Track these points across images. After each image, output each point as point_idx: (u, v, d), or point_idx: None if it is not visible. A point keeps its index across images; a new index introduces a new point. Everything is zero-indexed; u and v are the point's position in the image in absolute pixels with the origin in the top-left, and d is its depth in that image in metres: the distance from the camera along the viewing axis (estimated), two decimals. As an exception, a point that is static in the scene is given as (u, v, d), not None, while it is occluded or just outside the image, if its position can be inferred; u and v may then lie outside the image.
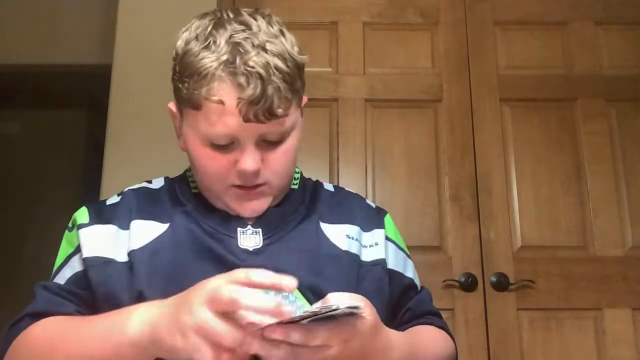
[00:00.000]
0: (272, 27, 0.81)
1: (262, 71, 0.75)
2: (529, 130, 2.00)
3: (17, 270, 3.36)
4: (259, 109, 0.75)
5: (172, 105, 0.87)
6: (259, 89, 0.75)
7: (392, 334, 0.74)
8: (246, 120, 0.76)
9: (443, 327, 0.92)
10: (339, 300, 0.64)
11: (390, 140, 2.00)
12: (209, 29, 0.79)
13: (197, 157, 0.82)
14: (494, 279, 1.85)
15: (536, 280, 1.85)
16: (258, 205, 0.84)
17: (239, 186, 0.82)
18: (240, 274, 0.63)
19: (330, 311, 0.61)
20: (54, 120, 3.74)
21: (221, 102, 0.75)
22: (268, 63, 0.76)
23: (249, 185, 0.81)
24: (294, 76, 0.80)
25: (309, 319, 0.62)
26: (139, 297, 0.76)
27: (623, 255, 1.89)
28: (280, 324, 0.61)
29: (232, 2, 2.10)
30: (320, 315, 0.62)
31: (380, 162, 1.98)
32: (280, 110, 0.77)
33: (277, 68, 0.77)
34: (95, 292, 0.80)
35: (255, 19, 0.81)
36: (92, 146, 3.56)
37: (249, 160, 0.78)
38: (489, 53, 2.08)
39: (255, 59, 0.76)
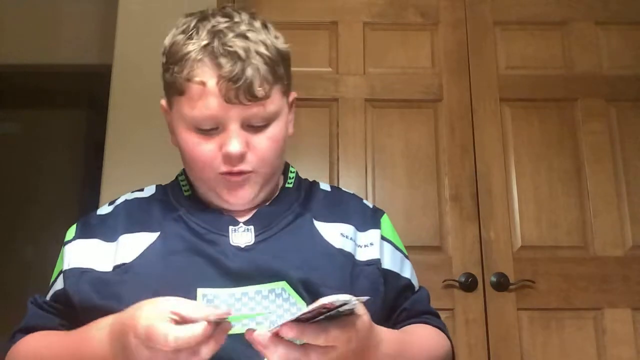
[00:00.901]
0: (255, 20, 0.83)
1: (241, 52, 0.77)
2: (528, 130, 2.00)
3: (16, 270, 3.36)
4: (239, 88, 0.77)
5: (163, 102, 0.88)
6: (238, 66, 0.77)
7: (381, 330, 0.74)
8: (227, 100, 0.77)
9: (438, 325, 0.91)
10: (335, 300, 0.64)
11: (390, 140, 2.00)
12: (194, 22, 0.82)
13: (185, 144, 0.83)
14: (494, 279, 1.85)
15: (536, 280, 1.85)
16: (245, 194, 0.83)
17: (226, 174, 0.82)
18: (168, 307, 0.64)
19: (341, 305, 0.61)
20: (54, 120, 3.74)
21: (202, 83, 0.77)
22: (248, 46, 0.78)
23: (235, 171, 0.81)
24: (276, 61, 0.81)
25: (311, 318, 0.62)
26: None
27: (623, 255, 1.89)
28: (287, 323, 0.61)
29: (231, 2, 2.10)
30: (321, 316, 0.62)
31: (380, 162, 1.98)
32: (260, 91, 0.78)
33: (257, 52, 0.79)
34: (73, 303, 0.81)
35: (239, 13, 0.84)
36: (92, 146, 3.56)
37: (234, 142, 0.79)
38: (489, 53, 2.08)
39: (235, 41, 0.78)
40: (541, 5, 2.13)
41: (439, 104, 2.04)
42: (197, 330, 0.61)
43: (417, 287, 0.96)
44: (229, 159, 0.80)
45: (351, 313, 0.65)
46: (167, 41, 0.84)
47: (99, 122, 2.39)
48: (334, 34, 2.11)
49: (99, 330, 0.71)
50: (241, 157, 0.80)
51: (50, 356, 0.77)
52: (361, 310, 0.66)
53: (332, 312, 0.62)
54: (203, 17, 0.83)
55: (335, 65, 2.07)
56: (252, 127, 0.81)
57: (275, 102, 0.82)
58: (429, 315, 0.92)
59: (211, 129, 0.80)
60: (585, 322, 1.84)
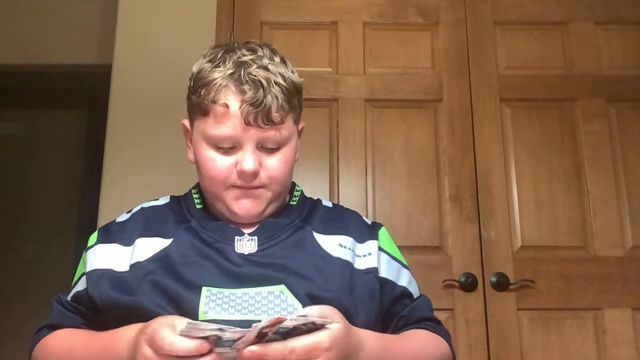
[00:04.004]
0: (275, 56, 0.93)
1: (263, 80, 0.87)
2: (528, 130, 2.00)
3: (16, 270, 3.36)
4: (258, 113, 0.86)
5: (185, 122, 0.97)
6: (260, 93, 0.86)
7: (361, 332, 0.79)
8: (247, 122, 0.86)
9: (436, 331, 0.93)
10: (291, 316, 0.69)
11: (390, 140, 2.00)
12: (221, 53, 0.91)
13: (203, 160, 0.91)
14: (494, 279, 1.85)
15: (536, 280, 1.85)
16: (254, 206, 0.91)
17: (237, 187, 0.89)
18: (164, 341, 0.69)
19: (304, 323, 0.67)
20: (54, 120, 3.74)
21: (226, 105, 0.86)
22: (269, 77, 0.88)
23: (247, 187, 0.89)
24: (292, 92, 0.91)
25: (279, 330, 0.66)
26: (142, 303, 0.82)
27: (623, 255, 1.89)
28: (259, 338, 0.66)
29: (231, 2, 2.10)
30: (283, 329, 0.66)
31: (380, 162, 1.98)
32: (276, 116, 0.87)
33: (276, 82, 0.88)
34: (95, 302, 0.87)
35: (261, 48, 0.93)
36: (92, 146, 3.57)
37: (249, 160, 0.87)
38: (489, 53, 2.08)
39: (258, 71, 0.88)
40: (541, 5, 2.13)
41: (439, 104, 2.04)
42: (191, 344, 0.67)
43: (416, 295, 0.98)
44: (243, 175, 0.88)
45: (321, 326, 0.69)
46: (195, 68, 0.93)
47: (99, 122, 2.39)
48: (334, 34, 2.10)
49: (127, 333, 0.78)
50: (254, 174, 0.88)
51: (81, 352, 0.84)
52: (335, 318, 0.72)
53: (298, 327, 0.67)
54: (229, 49, 0.92)
55: (335, 65, 2.07)
56: (266, 149, 0.89)
57: (289, 128, 0.91)
58: (428, 322, 0.95)
59: (229, 148, 0.88)
60: (585, 322, 1.84)
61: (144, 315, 0.78)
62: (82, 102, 3.62)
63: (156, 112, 1.98)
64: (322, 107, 2.01)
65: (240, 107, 0.86)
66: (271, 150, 0.90)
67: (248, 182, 0.89)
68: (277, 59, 0.92)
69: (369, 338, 0.79)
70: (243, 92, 0.86)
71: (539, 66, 2.07)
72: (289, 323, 0.65)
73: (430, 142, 1.99)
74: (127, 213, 0.99)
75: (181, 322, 0.70)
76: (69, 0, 2.74)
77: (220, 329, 0.66)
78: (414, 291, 0.98)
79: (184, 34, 2.04)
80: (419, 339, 0.90)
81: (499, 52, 2.09)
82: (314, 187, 1.91)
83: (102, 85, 2.15)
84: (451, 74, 2.06)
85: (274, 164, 0.90)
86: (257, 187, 0.90)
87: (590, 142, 1.99)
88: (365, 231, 0.98)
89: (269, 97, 0.86)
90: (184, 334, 0.68)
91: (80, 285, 0.92)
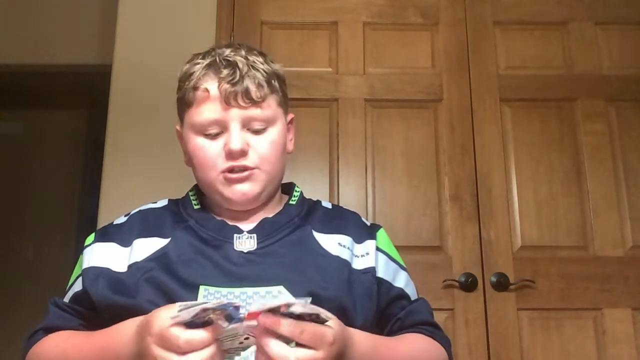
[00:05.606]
0: (254, 50, 0.96)
1: (240, 64, 0.90)
2: (529, 130, 2.00)
3: (16, 270, 3.37)
4: (237, 92, 0.88)
5: (177, 127, 0.98)
6: (237, 72, 0.89)
7: (351, 331, 0.78)
8: (227, 102, 0.88)
9: (433, 335, 0.92)
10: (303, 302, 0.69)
11: (390, 140, 2.00)
12: (201, 55, 0.95)
13: (193, 150, 0.92)
14: (494, 279, 1.85)
15: (536, 280, 1.85)
16: (248, 189, 0.91)
17: (230, 171, 0.90)
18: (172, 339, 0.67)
19: (311, 314, 0.67)
20: (54, 120, 3.74)
21: (206, 90, 0.89)
22: (246, 62, 0.91)
23: (237, 165, 0.89)
24: (271, 75, 0.93)
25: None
26: (140, 304, 0.82)
27: (623, 255, 1.89)
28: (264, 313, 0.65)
29: (231, 2, 2.10)
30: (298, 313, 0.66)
31: (380, 162, 1.98)
32: (256, 92, 0.89)
33: (253, 66, 0.91)
34: (92, 302, 0.87)
35: (240, 45, 0.96)
36: (92, 146, 3.57)
37: (235, 139, 0.88)
38: (489, 53, 2.08)
39: (233, 54, 0.92)
40: (541, 5, 2.13)
41: (439, 104, 2.04)
42: (207, 335, 0.66)
43: (413, 298, 0.97)
44: (231, 155, 0.88)
45: (324, 320, 0.69)
46: (179, 73, 0.95)
47: (98, 122, 2.39)
48: (334, 34, 2.11)
49: (125, 329, 0.77)
50: (242, 153, 0.89)
51: (76, 353, 0.82)
52: (330, 315, 0.71)
53: (303, 316, 0.66)
54: (209, 49, 0.96)
55: (335, 65, 2.07)
56: (252, 130, 0.90)
57: (272, 108, 0.92)
58: (425, 326, 0.93)
59: (216, 134, 0.90)
60: (585, 322, 1.84)
61: (142, 315, 0.76)
62: (82, 102, 3.62)
63: (156, 112, 1.98)
64: (322, 107, 2.01)
65: (218, 87, 0.88)
66: (258, 131, 0.91)
67: (237, 161, 0.89)
68: (255, 52, 0.95)
69: (357, 337, 0.78)
70: (220, 74, 0.89)
71: (539, 66, 2.07)
72: (297, 308, 0.65)
73: (430, 142, 2.00)
74: (124, 216, 0.98)
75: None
76: (69, 1, 2.75)
77: (212, 309, 0.65)
78: (412, 293, 0.97)
79: (184, 34, 2.04)
80: (413, 342, 0.89)
81: (499, 52, 2.09)
82: (314, 187, 1.91)
83: (102, 85, 2.15)
84: (451, 74, 2.06)
85: (262, 144, 0.91)
86: (248, 169, 0.90)
87: (590, 142, 1.99)
88: (364, 232, 0.98)
89: (246, 77, 0.89)
90: (180, 320, 0.67)
91: (78, 286, 0.91)
